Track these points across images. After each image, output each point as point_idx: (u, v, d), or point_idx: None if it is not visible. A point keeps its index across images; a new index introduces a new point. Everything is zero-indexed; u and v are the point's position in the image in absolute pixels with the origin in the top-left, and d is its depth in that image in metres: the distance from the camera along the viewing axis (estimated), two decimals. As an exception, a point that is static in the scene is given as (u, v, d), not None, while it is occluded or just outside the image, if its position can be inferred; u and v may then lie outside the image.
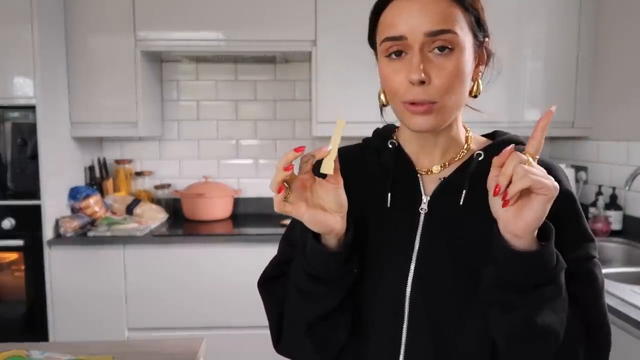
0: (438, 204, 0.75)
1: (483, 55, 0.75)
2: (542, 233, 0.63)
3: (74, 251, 2.20)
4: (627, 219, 2.18)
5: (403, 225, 0.75)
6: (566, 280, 0.67)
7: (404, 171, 0.78)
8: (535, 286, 0.63)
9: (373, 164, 0.80)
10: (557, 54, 2.38)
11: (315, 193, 0.68)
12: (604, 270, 1.62)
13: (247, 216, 2.73)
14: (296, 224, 0.83)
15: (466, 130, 0.81)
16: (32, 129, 2.13)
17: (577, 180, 2.42)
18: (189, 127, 2.77)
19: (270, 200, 2.63)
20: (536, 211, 0.59)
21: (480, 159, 0.75)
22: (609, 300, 1.34)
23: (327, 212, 0.67)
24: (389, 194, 0.76)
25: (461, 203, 0.73)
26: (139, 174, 2.70)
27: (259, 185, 2.80)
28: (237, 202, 2.76)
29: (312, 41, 2.34)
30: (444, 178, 0.76)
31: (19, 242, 2.16)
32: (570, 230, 0.72)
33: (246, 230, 2.43)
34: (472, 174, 0.74)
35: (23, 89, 2.12)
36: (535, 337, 0.64)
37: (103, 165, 2.65)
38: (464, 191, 0.73)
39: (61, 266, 2.19)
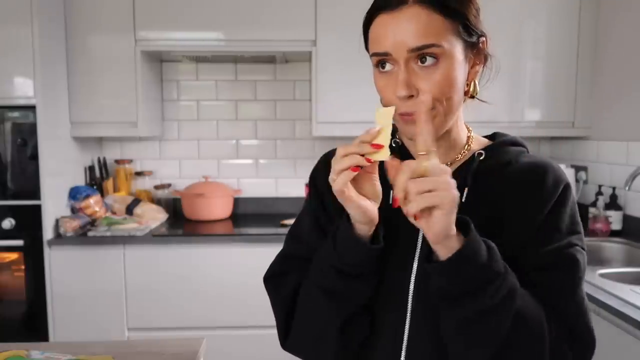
0: None
1: (479, 57, 0.75)
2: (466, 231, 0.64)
3: (74, 251, 2.20)
4: (627, 219, 2.18)
5: (406, 223, 0.76)
6: (546, 269, 0.69)
7: None
8: (463, 294, 0.64)
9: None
10: (557, 54, 2.38)
11: (356, 184, 0.69)
12: (604, 271, 1.62)
13: (247, 216, 2.73)
14: (303, 219, 0.85)
15: (468, 131, 0.81)
16: (32, 129, 2.13)
17: (577, 180, 2.42)
18: (189, 127, 2.77)
19: (270, 201, 2.61)
20: (439, 223, 0.60)
21: (481, 158, 0.77)
22: (609, 300, 1.34)
23: (369, 200, 0.68)
24: (392, 192, 0.78)
25: (463, 200, 0.74)
26: (139, 174, 2.70)
27: (259, 185, 2.80)
28: (237, 202, 2.76)
29: (312, 41, 2.34)
30: None
31: (19, 242, 2.16)
32: (557, 220, 0.73)
33: (246, 230, 2.43)
34: (473, 172, 0.75)
35: (23, 89, 2.12)
36: (471, 340, 0.67)
37: (103, 165, 2.65)
38: (466, 189, 0.75)
39: (61, 266, 2.19)
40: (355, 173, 0.65)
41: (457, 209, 0.61)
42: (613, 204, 2.19)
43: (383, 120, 0.67)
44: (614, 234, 2.16)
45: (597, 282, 1.49)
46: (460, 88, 0.71)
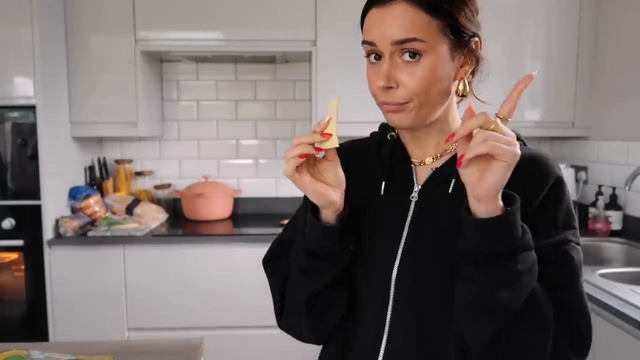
0: (428, 193, 0.79)
1: (470, 57, 0.75)
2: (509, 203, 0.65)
3: (74, 251, 2.20)
4: (627, 219, 2.18)
5: (394, 212, 0.80)
6: (543, 263, 0.69)
7: (400, 161, 0.83)
8: (492, 258, 0.64)
9: (374, 156, 0.85)
10: (557, 54, 2.38)
11: (318, 170, 0.75)
12: (604, 271, 1.62)
13: (247, 216, 2.73)
14: (300, 208, 0.88)
15: None
16: (32, 129, 2.13)
17: (577, 180, 2.42)
18: (189, 127, 2.77)
19: (270, 201, 2.62)
20: (495, 176, 0.62)
21: None
22: (609, 300, 1.34)
23: (328, 186, 0.74)
24: (383, 183, 0.81)
25: (450, 191, 0.76)
26: (139, 174, 2.70)
27: (259, 185, 2.80)
28: (237, 202, 2.76)
29: (312, 41, 2.34)
30: (436, 168, 0.80)
31: (19, 242, 2.16)
32: (552, 215, 0.73)
33: (246, 230, 2.43)
34: None
35: (23, 89, 2.12)
36: (485, 311, 0.66)
37: (103, 165, 2.65)
38: (453, 180, 0.76)
39: (61, 266, 2.19)
40: (303, 160, 0.71)
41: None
42: (613, 204, 2.19)
43: (332, 111, 0.72)
44: (614, 234, 2.15)
45: (597, 282, 1.49)
46: (442, 84, 0.73)
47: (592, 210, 2.23)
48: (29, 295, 2.20)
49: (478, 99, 0.82)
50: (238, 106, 2.77)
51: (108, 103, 2.36)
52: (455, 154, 0.77)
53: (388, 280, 0.76)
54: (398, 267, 0.76)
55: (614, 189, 2.22)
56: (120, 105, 2.36)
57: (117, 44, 2.33)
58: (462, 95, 0.77)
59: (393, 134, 0.84)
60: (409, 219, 0.78)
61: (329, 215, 0.75)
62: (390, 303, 0.76)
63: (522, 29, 2.37)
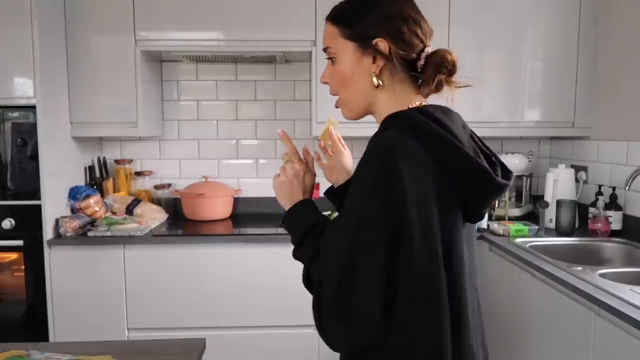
0: None
1: (378, 55, 0.89)
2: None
3: (74, 251, 2.20)
4: (627, 218, 2.18)
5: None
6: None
7: None
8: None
9: None
10: (557, 55, 2.38)
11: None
12: (604, 271, 1.62)
13: (247, 216, 2.73)
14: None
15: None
16: (32, 129, 2.13)
17: (577, 180, 2.41)
18: (189, 127, 2.77)
19: (269, 201, 2.65)
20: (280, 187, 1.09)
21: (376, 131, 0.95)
22: (609, 300, 1.34)
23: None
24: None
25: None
26: (139, 174, 2.70)
27: (259, 185, 2.80)
28: (237, 202, 2.76)
29: (312, 41, 2.34)
30: None
31: (19, 242, 2.16)
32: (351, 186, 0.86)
33: (246, 230, 2.43)
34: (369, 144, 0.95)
35: (23, 89, 2.12)
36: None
37: (103, 165, 2.65)
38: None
39: (61, 266, 2.19)
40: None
41: (283, 190, 1.11)
42: (613, 204, 2.19)
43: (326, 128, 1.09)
44: (614, 234, 2.15)
45: (597, 282, 1.49)
46: (355, 79, 0.92)
47: (592, 210, 2.23)
48: (29, 295, 2.20)
49: (435, 92, 0.93)
50: (238, 106, 2.77)
51: (108, 103, 2.36)
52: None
53: None
54: None
55: (613, 189, 2.21)
56: (120, 106, 2.36)
57: (117, 44, 2.33)
58: (377, 86, 0.91)
59: None
60: None
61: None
62: None
63: (522, 29, 2.37)
